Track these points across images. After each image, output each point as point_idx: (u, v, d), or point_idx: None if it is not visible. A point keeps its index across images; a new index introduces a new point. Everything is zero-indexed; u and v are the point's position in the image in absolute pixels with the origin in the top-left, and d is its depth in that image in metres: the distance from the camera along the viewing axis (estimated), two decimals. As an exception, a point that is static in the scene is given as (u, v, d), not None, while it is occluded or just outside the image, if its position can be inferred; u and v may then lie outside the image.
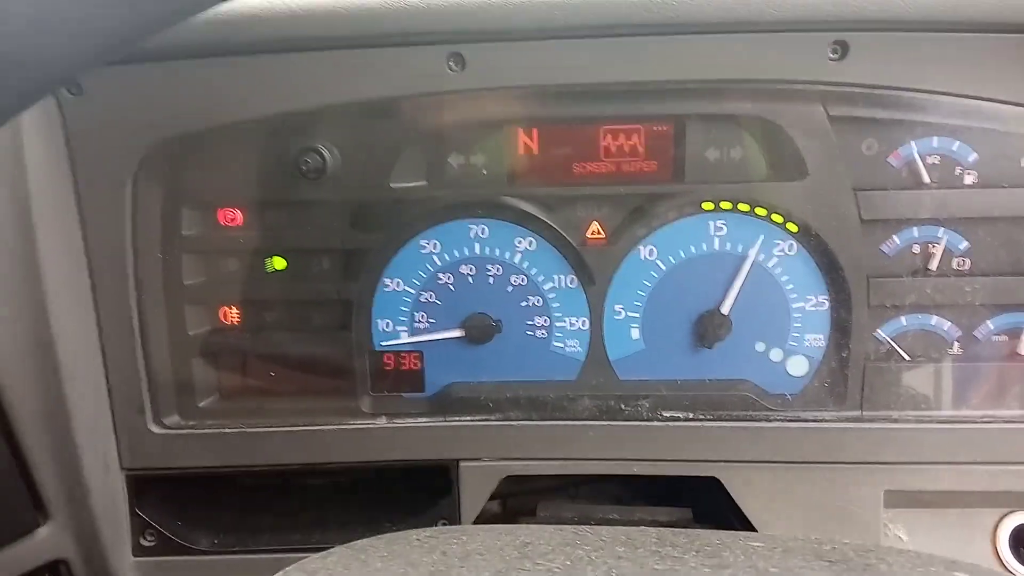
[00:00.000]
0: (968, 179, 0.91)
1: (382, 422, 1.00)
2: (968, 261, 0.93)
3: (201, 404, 1.01)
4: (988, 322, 0.95)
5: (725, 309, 0.96)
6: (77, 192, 0.90)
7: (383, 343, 1.01)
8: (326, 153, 0.90)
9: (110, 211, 0.91)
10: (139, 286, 0.94)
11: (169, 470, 1.00)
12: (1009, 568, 0.97)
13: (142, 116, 0.88)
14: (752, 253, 0.95)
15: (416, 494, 1.05)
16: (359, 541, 0.72)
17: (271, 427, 0.99)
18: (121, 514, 1.00)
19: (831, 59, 0.84)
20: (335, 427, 0.99)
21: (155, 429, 0.98)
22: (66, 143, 0.88)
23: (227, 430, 0.99)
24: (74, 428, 0.92)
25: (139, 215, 0.92)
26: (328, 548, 1.01)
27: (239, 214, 0.96)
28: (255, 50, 0.86)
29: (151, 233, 0.94)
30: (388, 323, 1.00)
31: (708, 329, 0.96)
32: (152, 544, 1.03)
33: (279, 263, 0.98)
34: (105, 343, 0.95)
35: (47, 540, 0.94)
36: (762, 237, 0.95)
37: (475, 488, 0.99)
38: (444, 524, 1.02)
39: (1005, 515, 0.99)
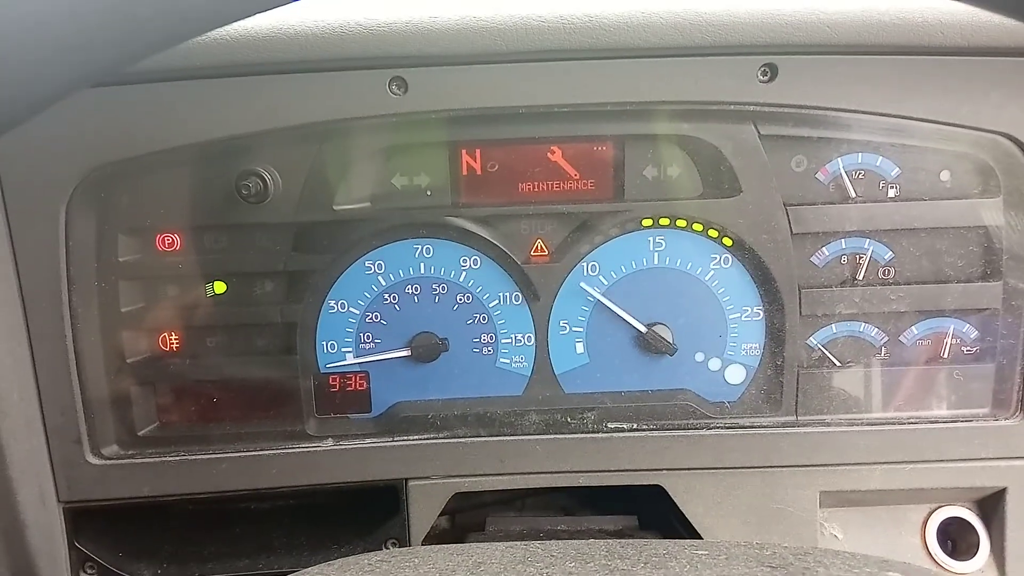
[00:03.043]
0: (891, 192, 0.96)
1: (328, 444, 0.99)
2: (893, 270, 0.98)
3: (141, 433, 0.99)
4: (912, 328, 1.00)
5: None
6: (7, 220, 0.87)
7: (328, 365, 1.00)
8: (267, 177, 0.89)
9: (42, 239, 0.89)
10: (74, 314, 0.92)
11: (108, 501, 0.97)
12: (937, 560, 1.03)
13: (76, 142, 0.86)
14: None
15: (363, 514, 1.04)
16: (310, 569, 0.71)
17: (215, 453, 0.98)
18: (59, 548, 0.97)
19: (761, 81, 0.88)
20: (281, 451, 0.98)
21: (93, 460, 0.96)
22: None
23: (169, 458, 0.97)
24: (8, 462, 0.89)
25: (73, 242, 0.90)
26: (277, 573, 1.02)
27: (178, 239, 0.95)
28: (195, 75, 0.85)
29: (86, 260, 0.92)
30: (333, 344, 1.00)
31: (650, 342, 0.99)
32: (92, 578, 1.00)
33: (219, 287, 0.97)
34: (39, 373, 0.92)
35: (-20, 579, 0.92)
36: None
37: (424, 506, 0.99)
38: (394, 543, 1.02)
39: (933, 510, 1.04)
